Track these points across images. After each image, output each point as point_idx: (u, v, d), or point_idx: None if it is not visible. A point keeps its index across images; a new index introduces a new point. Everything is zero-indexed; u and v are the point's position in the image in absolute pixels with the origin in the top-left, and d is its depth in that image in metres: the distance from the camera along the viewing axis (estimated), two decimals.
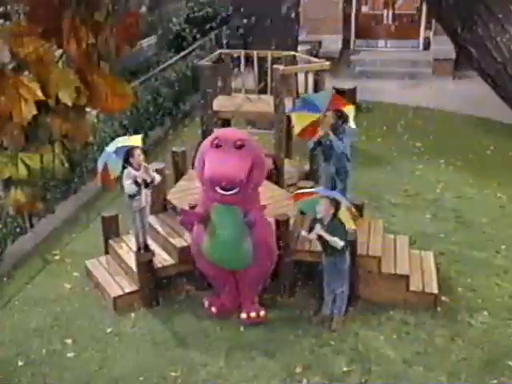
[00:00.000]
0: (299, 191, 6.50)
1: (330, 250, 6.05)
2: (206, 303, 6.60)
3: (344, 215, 6.04)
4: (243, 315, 6.44)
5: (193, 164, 6.76)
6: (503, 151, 10.73)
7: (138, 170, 6.50)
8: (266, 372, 5.86)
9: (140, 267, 6.69)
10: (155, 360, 6.06)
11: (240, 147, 5.70)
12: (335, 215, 5.97)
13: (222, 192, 5.65)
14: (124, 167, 6.50)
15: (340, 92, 11.24)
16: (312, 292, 6.83)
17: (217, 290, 6.64)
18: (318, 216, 5.94)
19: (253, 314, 6.43)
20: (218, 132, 6.19)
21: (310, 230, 6.04)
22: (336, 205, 5.93)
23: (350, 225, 6.10)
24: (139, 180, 6.49)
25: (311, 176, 8.71)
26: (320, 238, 5.99)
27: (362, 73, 15.53)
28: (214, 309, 6.52)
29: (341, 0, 16.41)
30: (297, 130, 7.54)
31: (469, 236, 8.10)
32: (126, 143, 6.56)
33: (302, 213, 6.90)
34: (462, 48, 2.95)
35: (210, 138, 5.92)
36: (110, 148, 6.51)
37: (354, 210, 6.10)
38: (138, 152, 6.49)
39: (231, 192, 5.64)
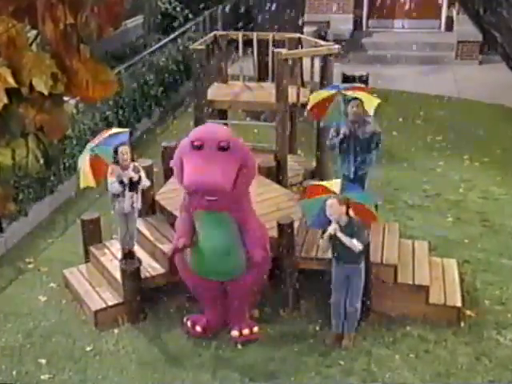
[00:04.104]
0: (314, 183, 6.48)
1: (344, 258, 6.02)
2: (189, 323, 6.56)
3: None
4: (234, 332, 6.42)
5: None
6: None
7: (125, 169, 6.52)
8: None
9: (125, 277, 6.69)
10: (141, 382, 6.05)
11: (225, 149, 5.62)
12: (348, 213, 5.95)
13: (208, 197, 5.64)
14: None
15: (350, 79, 11.26)
16: (319, 304, 6.84)
17: (201, 304, 6.63)
18: (332, 218, 5.92)
19: (245, 331, 6.42)
20: (198, 131, 5.99)
21: (324, 231, 6.02)
22: (346, 201, 5.93)
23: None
24: (125, 179, 6.50)
25: (318, 174, 8.72)
26: (333, 239, 5.96)
27: (375, 57, 15.55)
28: (198, 327, 6.50)
29: None
30: (309, 105, 7.71)
31: (497, 242, 8.11)
32: (113, 135, 6.60)
33: None
34: (485, 32, 2.98)
35: (189, 138, 5.79)
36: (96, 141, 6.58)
37: (371, 210, 6.12)
38: (122, 151, 6.51)
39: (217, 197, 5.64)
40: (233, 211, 5.86)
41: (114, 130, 6.89)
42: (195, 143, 5.66)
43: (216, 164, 5.54)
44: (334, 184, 6.20)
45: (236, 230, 5.97)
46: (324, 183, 6.34)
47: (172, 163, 6.02)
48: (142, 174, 6.66)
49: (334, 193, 6.00)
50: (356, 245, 5.86)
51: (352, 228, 5.90)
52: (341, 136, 7.14)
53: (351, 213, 5.97)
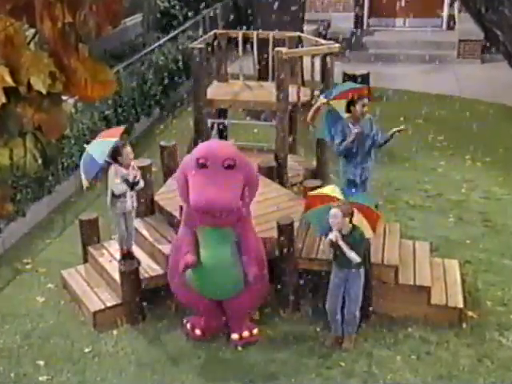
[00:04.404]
0: (313, 193, 6.44)
1: (343, 263, 6.00)
2: (188, 325, 6.55)
3: (359, 220, 6.02)
4: (234, 336, 6.41)
5: None
6: None
7: (127, 168, 6.53)
8: None
9: (124, 278, 6.69)
10: None
11: (230, 167, 5.61)
12: (352, 222, 5.93)
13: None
14: (108, 163, 6.53)
15: (351, 78, 11.27)
16: (319, 306, 6.82)
17: (198, 312, 6.60)
18: (335, 229, 5.91)
19: (245, 334, 6.40)
20: (202, 149, 5.92)
21: (326, 235, 6.00)
22: (351, 210, 5.91)
23: (366, 232, 6.08)
24: (130, 178, 6.50)
25: (318, 174, 8.72)
26: (333, 246, 5.96)
27: (376, 56, 15.55)
28: (197, 331, 6.48)
29: None
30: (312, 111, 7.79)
31: (499, 242, 8.11)
32: (110, 138, 6.60)
33: None
34: (487, 30, 2.98)
35: (193, 156, 5.77)
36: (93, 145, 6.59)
37: (374, 210, 6.11)
38: (128, 150, 6.53)
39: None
40: (236, 227, 5.89)
41: (111, 130, 6.88)
42: (200, 161, 5.63)
43: (222, 183, 5.54)
44: (334, 190, 6.21)
45: (235, 247, 5.98)
46: (324, 191, 6.31)
47: (177, 181, 6.03)
48: (139, 173, 6.68)
49: (337, 199, 5.98)
50: (354, 257, 5.87)
51: (354, 238, 5.90)
52: (353, 136, 7.09)
53: (355, 220, 5.95)
